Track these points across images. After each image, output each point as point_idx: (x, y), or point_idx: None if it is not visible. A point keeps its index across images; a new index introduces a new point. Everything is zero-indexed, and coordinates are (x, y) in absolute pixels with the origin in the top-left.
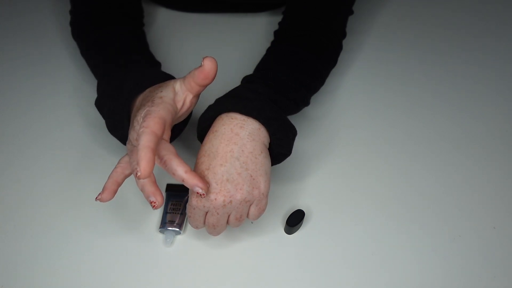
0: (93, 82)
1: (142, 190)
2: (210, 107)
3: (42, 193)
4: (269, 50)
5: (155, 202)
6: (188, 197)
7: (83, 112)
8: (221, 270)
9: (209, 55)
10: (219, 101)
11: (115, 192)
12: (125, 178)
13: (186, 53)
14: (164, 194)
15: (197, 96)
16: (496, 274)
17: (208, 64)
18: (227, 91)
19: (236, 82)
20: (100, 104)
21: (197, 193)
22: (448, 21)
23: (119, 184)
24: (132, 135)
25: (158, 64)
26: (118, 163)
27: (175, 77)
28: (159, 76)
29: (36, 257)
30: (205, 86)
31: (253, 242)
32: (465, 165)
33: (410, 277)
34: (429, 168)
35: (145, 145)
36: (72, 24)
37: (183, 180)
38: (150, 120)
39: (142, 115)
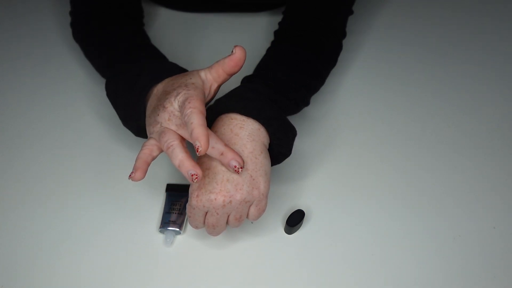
0: (96, 81)
1: (181, 165)
2: (210, 107)
3: (42, 193)
4: (269, 50)
5: (196, 175)
6: (188, 197)
7: (85, 111)
8: (221, 270)
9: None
10: (219, 101)
11: (146, 171)
12: (152, 160)
13: (186, 53)
14: (164, 194)
15: (220, 86)
16: (496, 274)
17: (239, 52)
18: (227, 90)
19: (236, 82)
20: (113, 96)
21: (234, 167)
22: (448, 21)
23: (148, 164)
24: (162, 116)
25: (165, 58)
26: (144, 146)
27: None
28: (175, 69)
29: (36, 257)
30: (233, 74)
31: (253, 242)
32: (465, 165)
33: (410, 277)
34: (429, 168)
35: (199, 123)
36: (73, 25)
37: (221, 154)
38: (196, 102)
39: (180, 98)
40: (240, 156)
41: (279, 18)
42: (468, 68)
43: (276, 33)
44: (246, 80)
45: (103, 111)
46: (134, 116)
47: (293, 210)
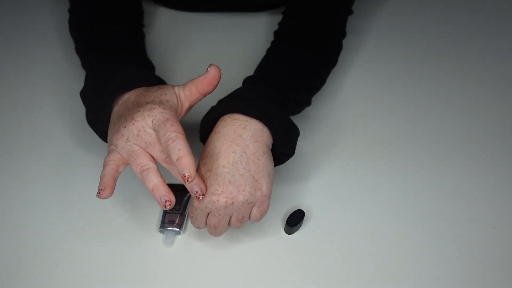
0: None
1: (155, 190)
2: (212, 108)
3: (42, 193)
4: (269, 50)
5: (170, 201)
6: (188, 197)
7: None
8: (221, 270)
9: (211, 61)
10: (221, 102)
11: (114, 188)
12: (118, 175)
13: (186, 53)
14: None
15: (190, 108)
16: (496, 274)
17: (213, 70)
18: (227, 90)
19: (236, 82)
20: (84, 96)
21: (196, 192)
22: (448, 21)
23: (116, 180)
24: (130, 130)
25: (151, 67)
26: (109, 161)
27: (166, 82)
28: (149, 79)
29: (36, 257)
30: (206, 94)
31: (253, 242)
32: (465, 165)
33: (410, 277)
34: (429, 168)
35: (188, 152)
36: (71, 22)
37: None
38: (178, 125)
39: (157, 116)
40: (204, 185)
41: (279, 18)
42: (469, 68)
43: (276, 33)
44: (247, 81)
45: None
46: (99, 120)
47: (293, 210)
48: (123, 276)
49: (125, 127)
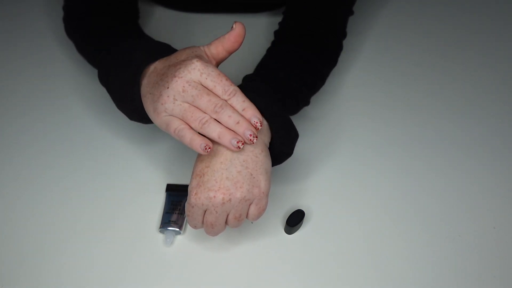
0: (91, 78)
1: (222, 137)
2: None
3: (42, 193)
4: (269, 50)
5: (241, 141)
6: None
7: (82, 110)
8: (221, 270)
9: (238, 22)
10: None
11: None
12: None
13: None
14: (164, 194)
15: (218, 64)
16: (496, 274)
17: (239, 27)
18: None
19: (236, 82)
20: (106, 77)
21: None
22: (449, 21)
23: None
24: (175, 88)
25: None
26: (180, 127)
27: None
28: (169, 48)
29: (36, 257)
30: (232, 52)
31: (253, 242)
32: (465, 165)
33: (410, 277)
34: (429, 168)
35: (250, 102)
36: (65, 20)
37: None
38: (230, 80)
39: (204, 70)
40: (254, 127)
41: (279, 18)
42: (469, 68)
43: (276, 33)
44: (247, 78)
45: (101, 110)
46: (128, 96)
47: (293, 210)
48: (123, 276)
49: (168, 87)
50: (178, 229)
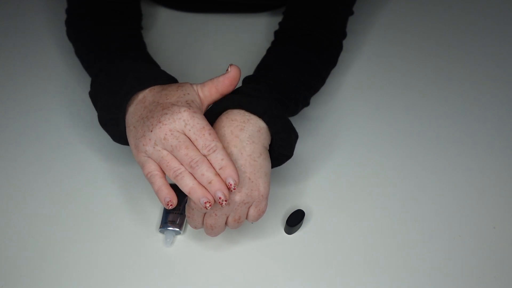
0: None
1: (192, 193)
2: (214, 103)
3: (42, 193)
4: (269, 50)
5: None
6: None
7: (82, 110)
8: (221, 270)
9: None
10: (223, 98)
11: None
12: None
13: (186, 53)
14: None
15: (207, 107)
16: (496, 274)
17: (234, 71)
18: None
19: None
20: (95, 96)
21: (219, 198)
22: (449, 21)
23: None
24: (157, 134)
25: (157, 65)
26: (152, 173)
27: (176, 78)
28: (162, 76)
29: (36, 257)
30: (225, 94)
31: (253, 242)
32: (465, 165)
33: (410, 277)
34: (429, 168)
35: (230, 160)
36: (68, 23)
37: (209, 182)
38: (214, 133)
39: (190, 121)
40: (227, 189)
41: (279, 18)
42: (469, 68)
43: (276, 33)
44: (247, 79)
45: None
46: (113, 121)
47: (293, 210)
48: (123, 276)
49: (151, 131)
50: (178, 229)
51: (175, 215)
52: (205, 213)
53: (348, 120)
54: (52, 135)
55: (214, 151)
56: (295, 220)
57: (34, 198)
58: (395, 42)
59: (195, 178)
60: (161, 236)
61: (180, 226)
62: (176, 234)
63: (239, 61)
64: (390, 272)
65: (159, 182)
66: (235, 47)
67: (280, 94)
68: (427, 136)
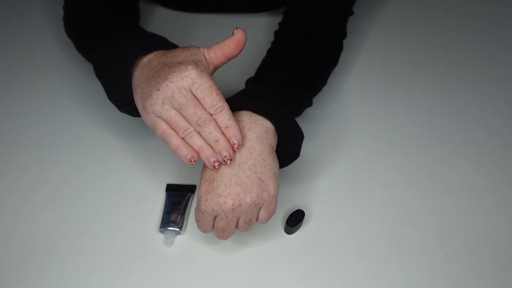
0: (90, 77)
1: (201, 151)
2: None
3: (42, 193)
4: (269, 51)
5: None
6: (189, 197)
7: (81, 110)
8: (221, 270)
9: (239, 28)
10: (228, 100)
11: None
12: None
13: None
14: (164, 194)
15: (214, 71)
16: (496, 274)
17: (240, 33)
18: (227, 90)
19: (236, 82)
20: (99, 68)
21: (224, 157)
22: (449, 21)
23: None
24: (164, 92)
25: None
26: (167, 132)
27: None
28: (167, 43)
29: (36, 257)
30: (232, 58)
31: (253, 242)
32: (465, 165)
33: (410, 277)
34: (429, 168)
35: (236, 121)
36: (65, 19)
37: (216, 140)
38: (221, 94)
39: (197, 80)
40: (231, 148)
41: (279, 18)
42: (469, 68)
43: (276, 33)
44: (251, 81)
45: (100, 110)
46: (119, 87)
47: (293, 210)
48: (123, 276)
49: (158, 89)
50: (178, 229)
51: (175, 215)
52: (215, 216)
53: (349, 120)
54: (51, 135)
55: (220, 111)
56: (295, 220)
57: (34, 198)
58: (395, 41)
59: (202, 137)
60: (161, 236)
61: (180, 226)
62: (176, 234)
63: (239, 61)
64: (390, 272)
65: (176, 141)
66: None
67: (283, 95)
68: (427, 136)
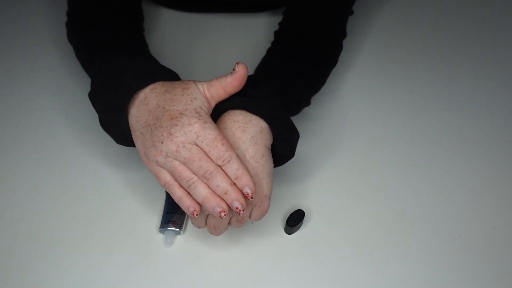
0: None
1: (206, 202)
2: (217, 104)
3: (42, 193)
4: (269, 51)
5: (224, 211)
6: None
7: (81, 111)
8: (221, 270)
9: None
10: (226, 99)
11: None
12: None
13: (186, 53)
14: (164, 194)
15: (213, 106)
16: (496, 274)
17: (242, 69)
18: None
19: None
20: (94, 98)
21: (236, 208)
22: (449, 21)
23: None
24: (169, 146)
25: (155, 60)
26: (170, 183)
27: (178, 74)
28: (162, 72)
29: (36, 258)
30: (232, 93)
31: (253, 242)
32: (465, 165)
33: (410, 277)
34: (429, 168)
35: (246, 169)
36: (68, 25)
37: (225, 193)
38: (227, 143)
39: (201, 133)
40: (243, 197)
41: (279, 18)
42: (469, 68)
43: (276, 33)
44: (248, 79)
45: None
46: (115, 122)
47: (293, 210)
48: (123, 276)
49: (162, 142)
50: (178, 229)
51: (175, 215)
52: (208, 214)
53: (348, 120)
54: (52, 138)
55: (228, 161)
56: (295, 220)
57: (34, 199)
58: (395, 41)
59: (208, 187)
60: (161, 236)
61: (180, 226)
62: (176, 234)
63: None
64: (390, 272)
65: (179, 192)
66: (235, 47)
67: (281, 95)
68: (427, 136)
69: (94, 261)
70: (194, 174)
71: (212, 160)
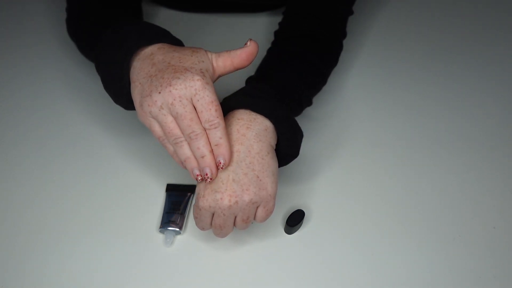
0: (88, 77)
1: (187, 162)
2: (221, 103)
3: (42, 193)
4: (269, 51)
5: (200, 175)
6: (189, 197)
7: (81, 110)
8: (221, 270)
9: (253, 40)
10: (228, 99)
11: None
12: None
13: None
14: (164, 194)
15: (218, 78)
16: (496, 274)
17: (253, 45)
18: (227, 90)
19: (236, 82)
20: (98, 58)
21: (206, 174)
22: (449, 21)
23: None
24: (166, 98)
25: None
26: (161, 137)
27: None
28: (170, 35)
29: (36, 257)
30: (239, 68)
31: (253, 242)
32: (465, 165)
33: (410, 277)
34: (429, 167)
35: (228, 141)
36: (68, 21)
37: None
38: (220, 110)
39: (200, 92)
40: (216, 167)
41: (279, 18)
42: (469, 68)
43: (276, 33)
44: (250, 80)
45: (101, 110)
46: (117, 76)
47: (293, 210)
48: (123, 276)
49: (159, 92)
50: (178, 229)
51: (175, 215)
52: (213, 214)
53: (349, 120)
54: (52, 137)
55: (215, 127)
56: (295, 220)
57: (34, 198)
58: (395, 41)
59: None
60: (161, 236)
61: (180, 226)
62: (176, 234)
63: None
64: (390, 272)
65: (171, 148)
66: (235, 47)
67: (283, 95)
68: (427, 136)
69: (94, 261)
70: (181, 131)
71: (200, 122)
